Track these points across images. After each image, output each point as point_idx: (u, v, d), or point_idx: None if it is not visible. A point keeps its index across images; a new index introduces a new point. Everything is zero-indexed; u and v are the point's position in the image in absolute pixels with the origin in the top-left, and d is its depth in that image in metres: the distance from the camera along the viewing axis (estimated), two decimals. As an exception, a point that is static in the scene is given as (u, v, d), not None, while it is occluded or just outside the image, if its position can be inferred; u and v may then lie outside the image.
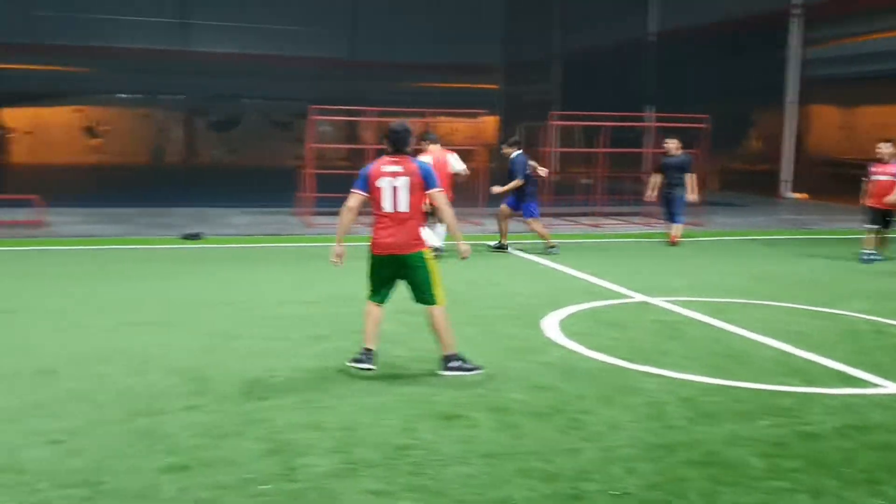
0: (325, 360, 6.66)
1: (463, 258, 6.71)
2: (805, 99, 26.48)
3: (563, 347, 7.30)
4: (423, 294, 6.39)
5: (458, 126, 45.24)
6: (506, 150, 13.23)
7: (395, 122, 6.76)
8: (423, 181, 6.38)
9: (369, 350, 6.33)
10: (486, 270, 11.38)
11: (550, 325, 8.08)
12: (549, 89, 42.19)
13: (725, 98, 27.37)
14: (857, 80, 24.95)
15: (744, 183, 27.81)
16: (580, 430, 5.19)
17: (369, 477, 4.38)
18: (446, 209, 6.68)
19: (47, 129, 41.26)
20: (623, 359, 6.89)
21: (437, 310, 6.37)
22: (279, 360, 6.64)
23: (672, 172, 14.21)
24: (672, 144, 14.34)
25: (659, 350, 7.29)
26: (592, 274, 11.07)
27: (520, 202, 12.99)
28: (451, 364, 6.32)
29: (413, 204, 6.36)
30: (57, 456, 4.56)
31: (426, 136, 12.20)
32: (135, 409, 5.39)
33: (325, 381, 6.14)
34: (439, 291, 6.37)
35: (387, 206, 6.32)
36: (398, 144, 6.48)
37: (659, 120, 18.84)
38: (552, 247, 12.84)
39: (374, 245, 6.42)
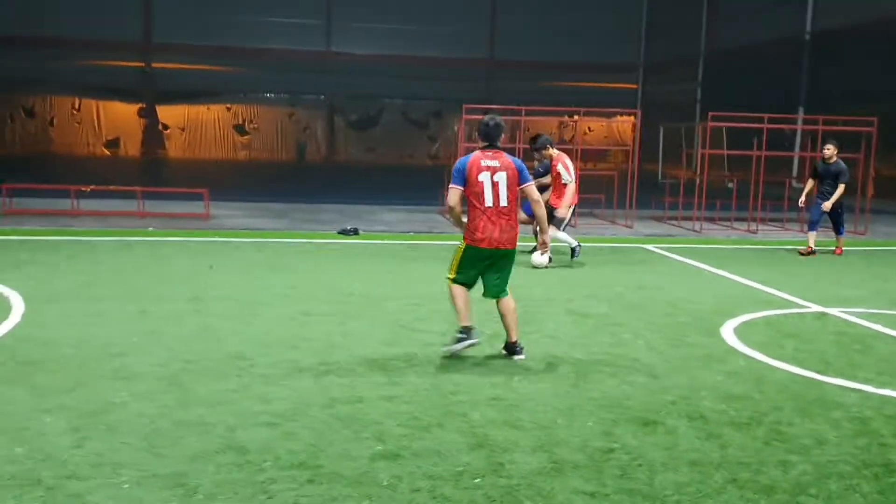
0: (505, 358, 6.71)
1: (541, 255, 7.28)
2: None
3: (746, 356, 7.06)
4: (504, 285, 6.66)
5: (595, 126, 45.18)
6: (547, 152, 11.85)
7: (486, 116, 6.78)
8: (518, 175, 6.49)
9: (468, 327, 6.56)
10: (647, 275, 11.22)
11: (728, 333, 7.84)
12: (691, 89, 41.03)
13: (886, 100, 25.82)
14: None
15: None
16: (785, 442, 4.98)
17: (578, 478, 4.33)
18: (539, 204, 6.84)
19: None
20: (813, 371, 6.60)
21: (511, 299, 6.67)
22: (462, 356, 6.70)
23: (827, 180, 13.25)
24: (830, 150, 13.30)
25: (849, 363, 6.94)
26: (758, 281, 10.68)
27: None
28: (519, 349, 6.67)
29: (511, 199, 6.46)
30: (274, 438, 4.74)
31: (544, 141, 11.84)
32: (333, 396, 5.55)
33: (509, 378, 6.16)
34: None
35: (488, 200, 6.39)
36: (490, 138, 6.57)
37: (825, 123, 17.84)
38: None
39: (474, 238, 6.47)
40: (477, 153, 6.58)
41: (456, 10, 42.91)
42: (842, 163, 13.30)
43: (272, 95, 45.16)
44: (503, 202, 6.41)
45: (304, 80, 43.98)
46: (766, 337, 7.82)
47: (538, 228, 9.15)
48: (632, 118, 42.74)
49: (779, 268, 12.22)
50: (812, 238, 13.28)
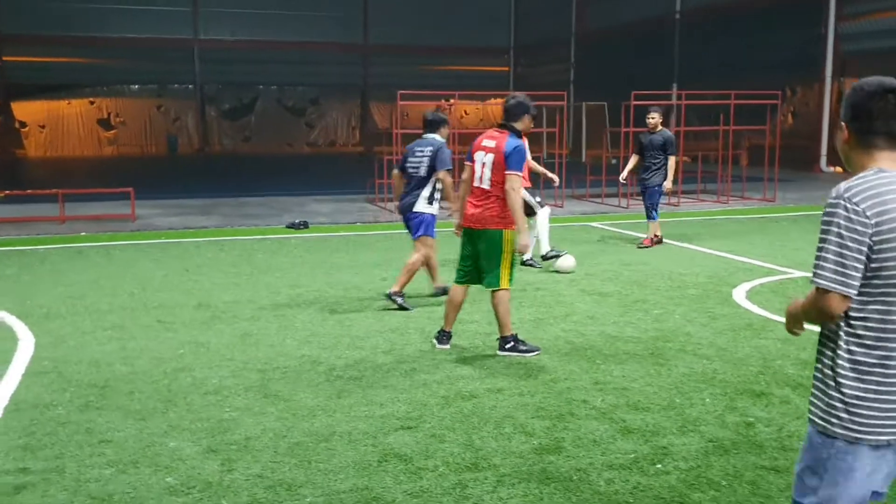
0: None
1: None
2: (841, 73, 26.69)
3: (781, 323, 7.31)
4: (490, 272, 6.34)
5: (470, 109, 45.74)
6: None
7: (515, 94, 6.62)
8: (505, 160, 6.14)
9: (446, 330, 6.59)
10: (621, 252, 11.48)
11: (745, 302, 8.18)
12: (564, 69, 42.16)
13: (757, 74, 27.39)
14: (891, 54, 25.19)
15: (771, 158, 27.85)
16: None
17: (746, 453, 4.51)
18: (510, 193, 6.34)
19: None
20: None
21: (500, 294, 6.30)
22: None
23: (651, 152, 11.64)
24: (654, 119, 11.67)
25: None
26: (726, 251, 11.22)
27: None
28: (507, 346, 6.39)
29: (493, 180, 6.20)
30: (423, 441, 4.68)
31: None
32: (442, 394, 5.50)
33: (590, 362, 6.21)
34: (506, 275, 6.29)
35: (476, 181, 6.31)
36: (507, 117, 6.38)
37: (728, 97, 18.79)
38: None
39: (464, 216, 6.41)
40: (487, 131, 6.51)
41: None
42: (668, 131, 12.11)
43: (138, 87, 43.02)
44: (484, 184, 6.26)
45: (171, 70, 42.27)
46: (782, 303, 8.05)
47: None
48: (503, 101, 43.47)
49: (732, 238, 12.74)
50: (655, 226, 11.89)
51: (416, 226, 7.98)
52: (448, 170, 7.83)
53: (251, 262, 10.67)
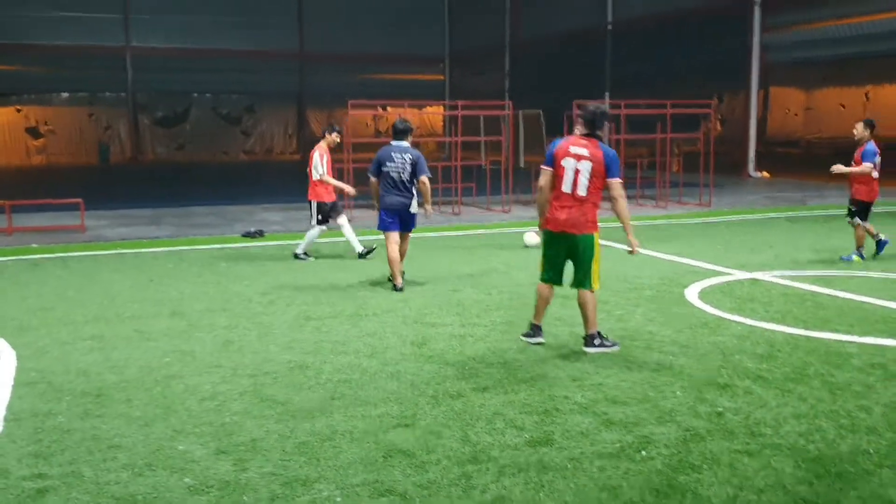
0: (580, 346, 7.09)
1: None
2: (766, 82, 27.84)
3: (734, 321, 7.80)
4: (584, 273, 6.68)
5: (409, 116, 45.66)
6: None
7: (591, 103, 6.87)
8: (606, 169, 6.45)
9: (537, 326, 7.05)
10: None
11: (698, 301, 8.65)
12: (498, 79, 42.88)
13: (686, 84, 28.34)
14: (812, 65, 26.36)
15: (705, 164, 28.83)
16: (843, 390, 5.74)
17: (719, 439, 4.87)
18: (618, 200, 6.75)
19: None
20: (798, 327, 7.47)
21: (590, 294, 6.69)
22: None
23: None
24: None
25: (819, 319, 7.84)
26: (672, 254, 11.74)
27: None
28: (596, 342, 6.73)
29: (591, 188, 6.47)
30: (454, 433, 4.92)
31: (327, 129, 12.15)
32: (434, 392, 5.76)
33: (579, 362, 6.56)
34: (597, 276, 6.67)
35: (566, 187, 6.50)
36: (590, 126, 6.57)
37: (659, 106, 19.54)
38: None
39: (548, 221, 6.67)
40: (570, 138, 6.69)
41: (263, 1, 42.26)
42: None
43: (68, 95, 42.22)
44: (581, 192, 6.46)
45: (102, 77, 41.68)
46: (732, 303, 8.66)
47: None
48: (440, 108, 44.47)
49: (675, 241, 13.30)
50: None
51: (412, 222, 9.35)
52: (428, 177, 8.96)
53: (215, 272, 10.85)
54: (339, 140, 11.85)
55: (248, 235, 13.75)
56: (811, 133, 26.18)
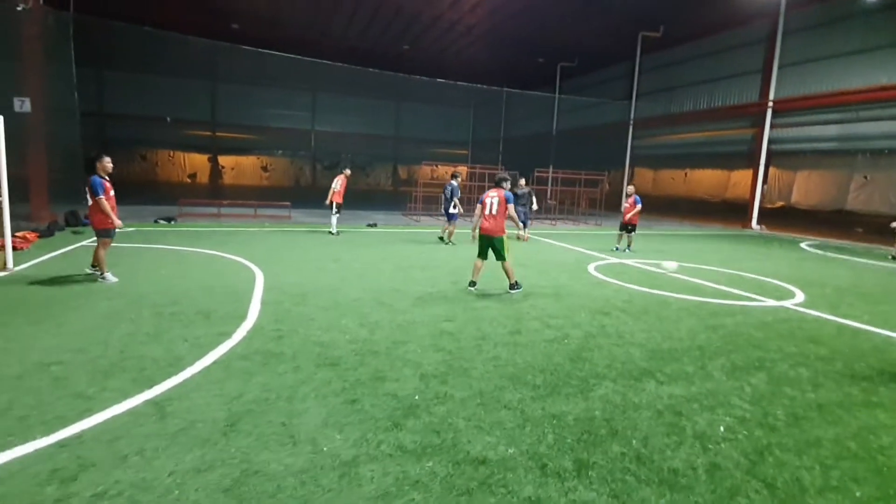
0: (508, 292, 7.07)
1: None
2: (633, 164, 27.58)
3: (613, 283, 7.53)
4: (499, 254, 6.44)
5: (443, 171, 45.95)
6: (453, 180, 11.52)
7: (499, 173, 6.70)
8: (507, 200, 6.36)
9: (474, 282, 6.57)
10: (522, 250, 10.93)
11: (595, 272, 8.32)
12: (494, 156, 42.47)
13: (592, 164, 27.91)
14: (661, 157, 26.03)
15: (605, 205, 28.81)
16: (663, 320, 5.67)
17: (604, 338, 5.00)
18: (512, 215, 6.46)
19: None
20: (651, 288, 7.24)
21: (506, 263, 6.47)
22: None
23: (523, 199, 12.19)
24: (522, 181, 12.59)
25: (655, 284, 7.57)
26: (582, 248, 11.36)
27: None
28: (513, 289, 6.50)
29: (499, 212, 6.35)
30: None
31: (343, 167, 12.15)
32: (464, 308, 5.81)
33: (515, 301, 6.55)
34: (507, 254, 6.43)
35: (487, 211, 6.42)
36: (498, 182, 6.53)
37: (571, 174, 19.46)
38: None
39: (481, 229, 6.46)
40: (490, 190, 6.57)
41: (374, 110, 41.36)
42: (526, 188, 12.45)
43: (281, 152, 41.88)
44: (494, 211, 6.41)
45: (298, 144, 39.16)
46: (611, 273, 8.36)
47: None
48: (465, 167, 44.39)
49: (582, 241, 12.78)
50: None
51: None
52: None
53: (353, 243, 10.56)
54: (349, 173, 12.04)
55: (370, 225, 13.83)
56: (657, 191, 25.88)
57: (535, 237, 13.72)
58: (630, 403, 3.60)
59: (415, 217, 17.20)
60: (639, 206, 11.69)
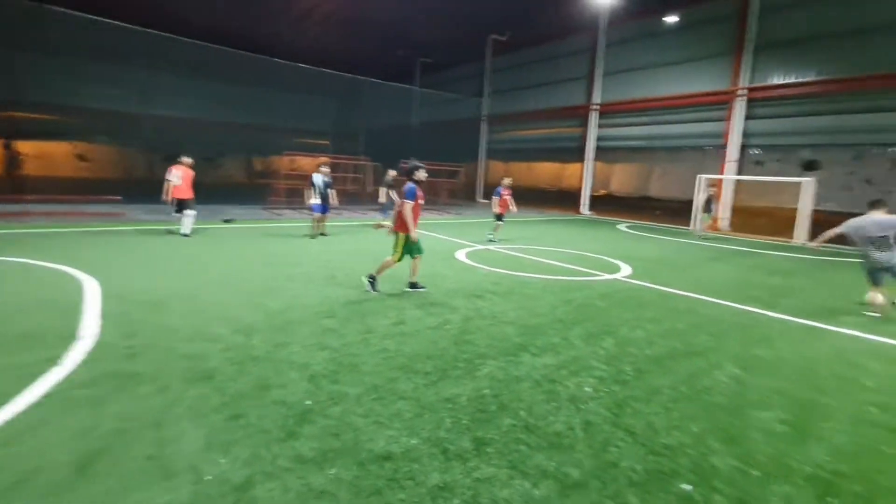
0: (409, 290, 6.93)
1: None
2: (488, 157, 29.44)
3: (482, 268, 7.81)
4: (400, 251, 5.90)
5: (304, 161, 43.29)
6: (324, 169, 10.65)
7: (411, 162, 6.06)
8: (405, 194, 5.79)
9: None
10: (357, 240, 11.26)
11: (463, 258, 8.58)
12: (358, 148, 41.43)
13: (452, 157, 29.10)
14: (510, 151, 28.19)
15: (461, 196, 30.17)
16: (531, 299, 6.06)
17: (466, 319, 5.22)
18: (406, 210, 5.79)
19: None
20: (508, 270, 7.68)
21: (390, 259, 5.94)
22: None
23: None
24: (392, 173, 11.50)
25: (519, 267, 7.97)
26: (450, 236, 11.49)
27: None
28: (417, 287, 6.09)
29: (402, 206, 5.79)
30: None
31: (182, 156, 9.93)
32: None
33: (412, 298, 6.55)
34: (399, 251, 5.90)
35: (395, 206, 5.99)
36: (406, 173, 5.94)
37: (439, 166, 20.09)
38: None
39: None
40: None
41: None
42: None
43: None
44: (396, 207, 5.99)
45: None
46: (479, 259, 8.63)
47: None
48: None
49: (450, 230, 12.87)
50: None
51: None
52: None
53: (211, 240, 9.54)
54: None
55: (226, 221, 12.41)
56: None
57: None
58: (512, 377, 3.80)
59: (277, 211, 15.94)
60: (504, 197, 11.59)
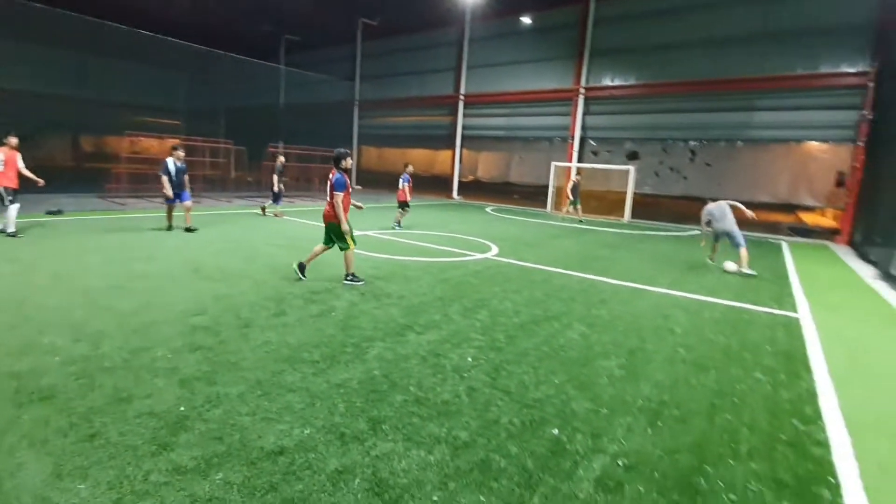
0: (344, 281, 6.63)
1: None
2: (362, 143, 28.87)
3: (374, 257, 7.67)
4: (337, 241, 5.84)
5: (151, 143, 37.50)
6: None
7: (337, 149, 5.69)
8: (334, 186, 5.61)
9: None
10: (228, 232, 10.45)
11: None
12: (218, 129, 37.07)
13: (330, 142, 27.74)
14: (384, 137, 28.05)
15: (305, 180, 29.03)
16: (446, 276, 6.23)
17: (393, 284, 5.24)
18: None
19: None
20: (392, 255, 7.74)
21: (347, 252, 5.88)
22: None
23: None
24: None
25: (396, 250, 8.04)
26: (315, 221, 11.33)
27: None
28: (349, 279, 5.92)
29: (332, 197, 5.67)
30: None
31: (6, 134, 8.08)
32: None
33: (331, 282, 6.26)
34: (351, 240, 5.80)
35: (328, 196, 5.75)
36: (334, 162, 5.73)
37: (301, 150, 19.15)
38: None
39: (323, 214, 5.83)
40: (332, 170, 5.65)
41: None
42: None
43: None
44: (328, 197, 5.75)
45: None
46: (358, 246, 7.94)
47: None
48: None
49: (318, 217, 12.63)
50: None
51: None
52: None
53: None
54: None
55: (52, 213, 10.23)
56: (382, 168, 27.88)
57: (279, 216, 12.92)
58: (400, 356, 3.95)
59: (118, 200, 13.66)
60: (408, 185, 11.57)
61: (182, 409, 2.97)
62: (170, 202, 9.17)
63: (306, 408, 3.08)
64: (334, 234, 5.87)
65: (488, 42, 22.08)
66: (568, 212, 15.58)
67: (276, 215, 11.91)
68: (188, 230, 9.16)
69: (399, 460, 2.60)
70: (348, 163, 5.79)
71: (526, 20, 20.52)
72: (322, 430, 2.86)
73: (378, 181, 26.59)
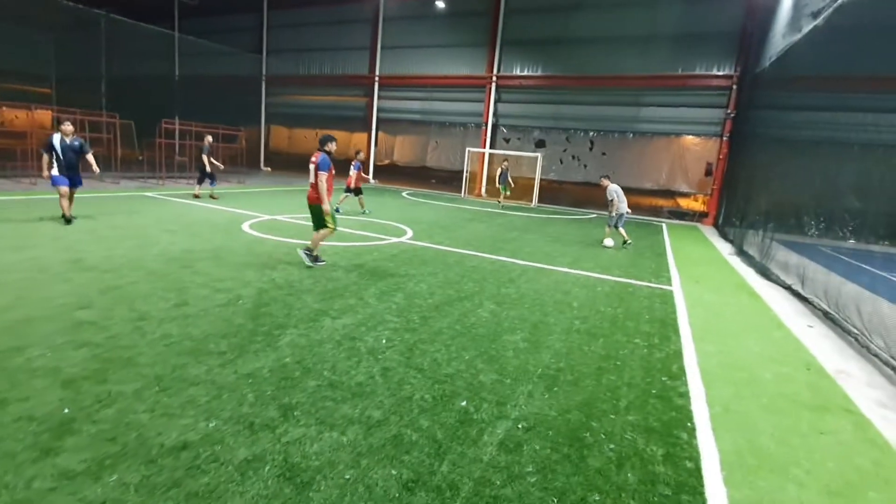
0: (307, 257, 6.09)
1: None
2: (271, 122, 27.04)
3: (270, 238, 7.46)
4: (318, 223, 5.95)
5: (14, 115, 31.69)
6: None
7: (323, 133, 5.96)
8: (318, 166, 5.66)
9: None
10: (187, 210, 9.86)
11: (249, 230, 8.04)
12: (97, 101, 32.25)
13: (234, 120, 25.61)
14: (295, 116, 26.51)
15: (243, 163, 27.03)
16: (366, 257, 6.16)
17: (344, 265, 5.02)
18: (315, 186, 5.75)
19: None
20: (299, 239, 7.51)
21: (321, 231, 5.94)
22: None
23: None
24: (209, 138, 11.59)
25: (296, 234, 7.80)
26: (236, 208, 10.56)
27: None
28: (309, 254, 6.03)
29: (318, 179, 5.70)
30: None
31: None
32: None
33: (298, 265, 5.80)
34: (332, 221, 5.89)
35: (311, 179, 5.78)
36: (319, 144, 5.85)
37: (203, 127, 17.53)
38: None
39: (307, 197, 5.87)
40: (316, 152, 5.77)
41: None
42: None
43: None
44: (311, 179, 5.72)
45: None
46: (267, 230, 8.21)
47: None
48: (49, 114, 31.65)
49: (240, 200, 11.94)
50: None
51: None
52: None
53: None
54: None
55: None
56: (293, 149, 26.32)
57: (174, 198, 11.78)
58: (314, 342, 3.87)
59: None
60: (357, 171, 11.53)
61: (66, 410, 2.68)
62: (57, 184, 7.65)
63: (212, 400, 2.92)
64: (315, 217, 5.93)
65: (403, 22, 21.67)
66: (505, 197, 15.98)
67: (212, 196, 11.36)
68: (65, 219, 7.68)
69: (311, 444, 2.59)
70: (333, 146, 5.85)
71: (440, 3, 20.42)
72: (230, 422, 2.74)
73: (289, 163, 25.16)
